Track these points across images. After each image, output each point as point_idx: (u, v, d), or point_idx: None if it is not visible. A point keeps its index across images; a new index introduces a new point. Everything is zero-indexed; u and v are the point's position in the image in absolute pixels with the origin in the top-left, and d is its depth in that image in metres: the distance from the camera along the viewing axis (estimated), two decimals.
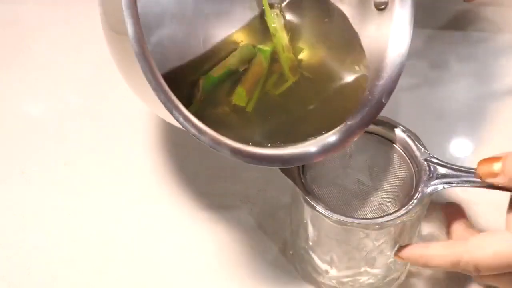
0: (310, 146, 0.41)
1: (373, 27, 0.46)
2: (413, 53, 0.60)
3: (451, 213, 0.44)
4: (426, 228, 0.50)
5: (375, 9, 0.45)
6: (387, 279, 0.46)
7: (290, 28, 0.48)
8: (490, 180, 0.40)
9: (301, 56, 0.48)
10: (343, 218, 0.40)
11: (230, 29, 0.48)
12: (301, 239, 0.46)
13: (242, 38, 0.48)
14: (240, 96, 0.45)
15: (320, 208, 0.40)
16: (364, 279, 0.45)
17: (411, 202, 0.40)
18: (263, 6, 0.48)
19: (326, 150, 0.42)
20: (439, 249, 0.40)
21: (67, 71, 0.64)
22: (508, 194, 0.40)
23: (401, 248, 0.42)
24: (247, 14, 0.49)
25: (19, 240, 0.50)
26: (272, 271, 0.48)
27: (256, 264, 0.49)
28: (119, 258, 0.49)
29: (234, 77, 0.46)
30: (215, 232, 0.51)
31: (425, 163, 0.42)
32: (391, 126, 0.45)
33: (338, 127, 0.42)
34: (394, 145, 0.45)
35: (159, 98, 0.35)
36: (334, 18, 0.48)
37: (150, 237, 0.50)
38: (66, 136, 0.58)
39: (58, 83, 0.63)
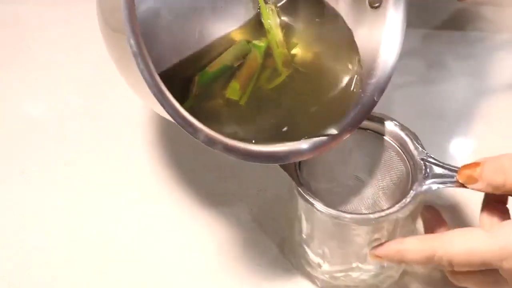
0: (301, 143, 0.42)
1: (366, 25, 0.46)
2: (410, 52, 0.60)
3: (428, 218, 0.45)
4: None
5: (369, 7, 0.46)
6: (381, 277, 0.46)
7: (285, 25, 0.49)
8: (470, 186, 0.40)
9: (295, 51, 0.48)
10: (333, 212, 0.40)
11: (226, 25, 0.49)
12: (295, 232, 0.46)
13: (237, 34, 0.49)
14: (234, 90, 0.45)
15: (312, 201, 0.41)
16: (356, 274, 0.45)
17: (404, 200, 0.41)
18: (258, 2, 0.49)
19: (318, 147, 0.42)
20: (415, 243, 0.40)
21: (67, 71, 0.64)
22: None
23: (376, 246, 0.42)
24: (243, 10, 0.49)
25: (19, 240, 0.50)
26: (272, 271, 0.48)
27: (256, 264, 0.49)
28: (119, 258, 0.49)
29: (229, 72, 0.47)
30: (215, 232, 0.51)
31: (422, 162, 0.43)
32: (390, 124, 0.45)
33: (331, 123, 0.43)
34: (392, 142, 0.45)
35: (155, 96, 0.36)
36: (329, 15, 0.48)
37: (150, 237, 0.51)
38: (66, 136, 0.58)
39: (58, 83, 0.63)
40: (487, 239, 0.37)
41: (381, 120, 0.45)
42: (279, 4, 0.49)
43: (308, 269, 0.47)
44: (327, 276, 0.46)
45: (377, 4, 0.45)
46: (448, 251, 0.38)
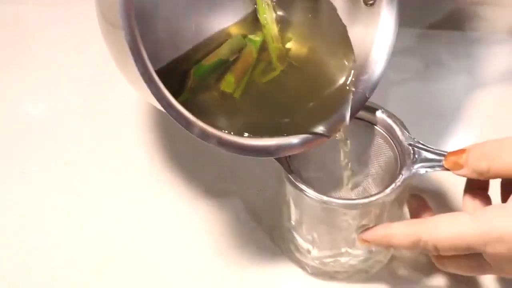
0: (292, 138, 0.42)
1: (360, 22, 0.46)
2: (408, 51, 0.60)
3: (414, 206, 0.45)
4: None
5: (363, 4, 0.46)
6: (370, 262, 0.47)
7: (281, 20, 0.49)
8: (456, 172, 0.41)
9: (290, 45, 0.49)
10: (321, 197, 0.41)
11: (222, 20, 0.49)
12: (284, 219, 0.47)
13: (233, 29, 0.49)
14: (228, 83, 0.46)
15: (301, 186, 0.41)
16: (345, 259, 0.46)
17: (393, 185, 0.41)
18: None
19: (308, 142, 0.43)
20: (401, 228, 0.41)
21: (67, 71, 0.64)
22: None
23: (364, 230, 0.42)
24: (239, 5, 0.49)
25: (19, 240, 0.50)
26: (271, 271, 0.49)
27: (256, 264, 0.49)
28: (119, 258, 0.49)
29: (225, 66, 0.47)
30: (215, 232, 0.51)
31: (410, 147, 0.43)
32: (376, 110, 0.46)
33: (322, 120, 0.43)
34: (380, 130, 0.46)
35: (150, 90, 0.36)
36: (324, 11, 0.48)
37: (150, 237, 0.51)
38: (66, 136, 0.58)
39: (58, 83, 0.63)
40: (472, 223, 0.38)
41: (368, 108, 0.46)
42: None
43: (298, 255, 0.48)
44: (317, 262, 0.47)
45: (371, 2, 0.45)
46: (433, 236, 0.39)
